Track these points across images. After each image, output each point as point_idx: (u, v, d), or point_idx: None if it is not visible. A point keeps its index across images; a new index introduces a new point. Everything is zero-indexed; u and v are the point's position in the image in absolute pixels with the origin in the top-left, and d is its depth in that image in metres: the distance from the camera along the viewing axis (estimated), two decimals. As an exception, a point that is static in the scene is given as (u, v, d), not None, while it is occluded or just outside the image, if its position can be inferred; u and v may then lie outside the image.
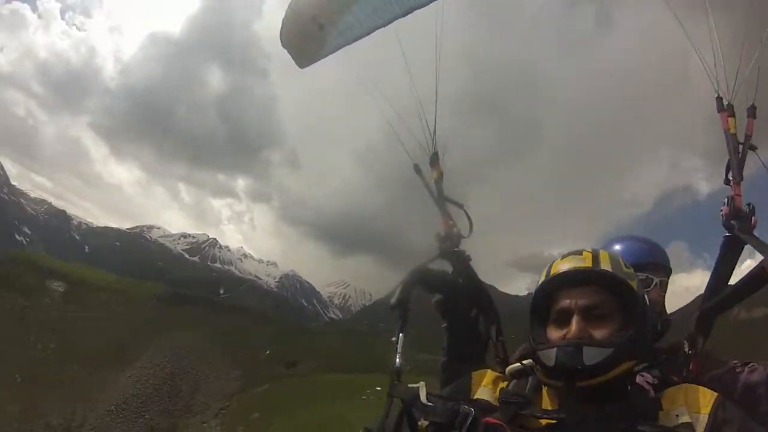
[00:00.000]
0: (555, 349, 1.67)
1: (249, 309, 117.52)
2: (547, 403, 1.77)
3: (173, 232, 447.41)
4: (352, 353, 75.99)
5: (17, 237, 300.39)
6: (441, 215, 2.87)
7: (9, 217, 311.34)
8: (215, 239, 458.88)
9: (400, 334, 2.14)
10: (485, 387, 1.90)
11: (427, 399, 1.74)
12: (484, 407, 1.77)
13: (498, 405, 1.78)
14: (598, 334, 1.68)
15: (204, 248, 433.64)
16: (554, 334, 1.74)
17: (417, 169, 3.07)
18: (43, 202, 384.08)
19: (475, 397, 1.87)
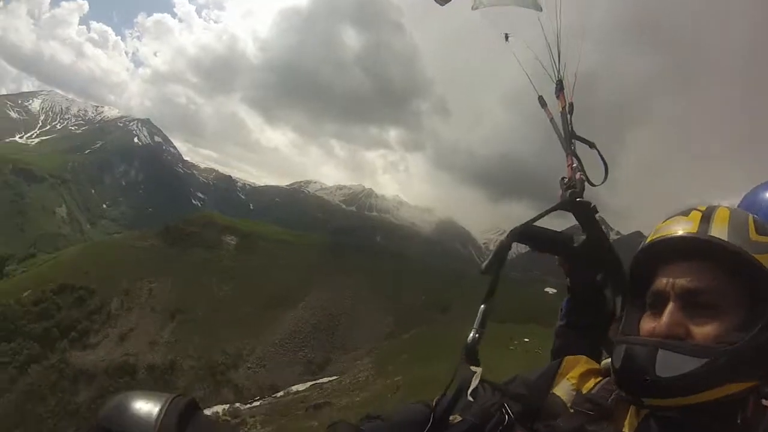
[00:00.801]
0: (624, 346, 1.22)
1: (405, 255, 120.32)
2: (631, 422, 1.28)
3: (330, 185, 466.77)
4: (505, 301, 74.88)
5: (193, 201, 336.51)
6: (566, 156, 2.37)
7: (185, 186, 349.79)
8: (371, 189, 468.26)
9: (483, 306, 1.76)
10: (568, 381, 1.47)
11: (471, 394, 1.45)
12: (549, 411, 1.40)
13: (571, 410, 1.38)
14: (701, 332, 1.15)
15: (360, 198, 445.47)
16: (646, 324, 1.26)
17: (542, 102, 2.65)
18: (211, 170, 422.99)
19: (553, 390, 1.46)
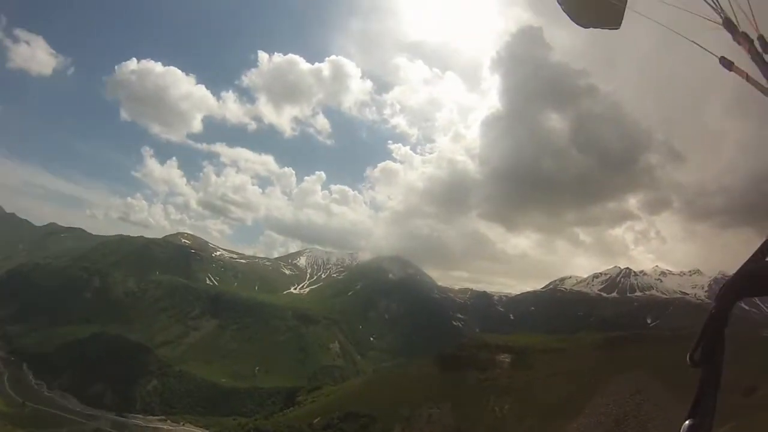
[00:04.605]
0: None
1: (683, 333, 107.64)
2: None
3: (584, 275, 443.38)
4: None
5: (454, 323, 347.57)
6: None
7: (444, 310, 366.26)
8: (628, 268, 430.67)
9: (687, 422, 1.52)
10: None
11: None
12: None
13: None
14: None
15: (619, 281, 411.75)
16: None
17: (725, 62, 2.14)
18: (466, 290, 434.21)
19: None
